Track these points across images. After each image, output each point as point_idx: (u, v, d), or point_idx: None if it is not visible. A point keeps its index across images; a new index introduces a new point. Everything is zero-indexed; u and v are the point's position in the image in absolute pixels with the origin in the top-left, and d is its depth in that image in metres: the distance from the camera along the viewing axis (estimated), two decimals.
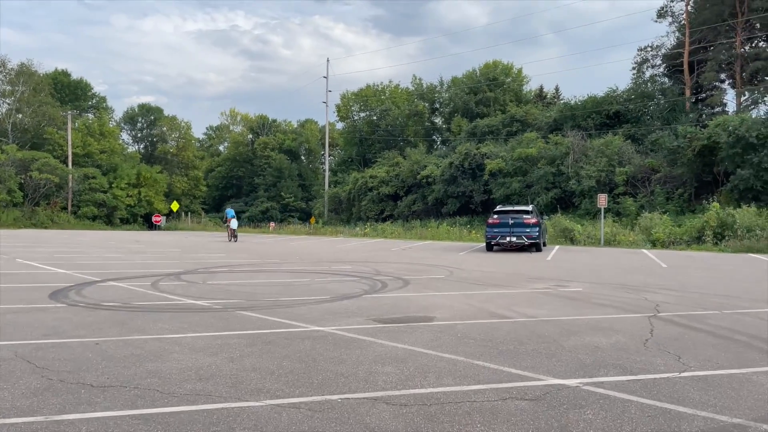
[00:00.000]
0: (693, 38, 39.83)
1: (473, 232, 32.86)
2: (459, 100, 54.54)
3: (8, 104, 55.31)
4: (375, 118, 61.30)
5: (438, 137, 60.69)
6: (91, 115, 65.16)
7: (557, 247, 24.86)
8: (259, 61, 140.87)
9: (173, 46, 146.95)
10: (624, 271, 14.43)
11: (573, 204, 34.62)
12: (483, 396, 4.30)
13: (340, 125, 69.35)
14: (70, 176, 50.56)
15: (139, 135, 74.02)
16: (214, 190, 73.73)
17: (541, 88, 56.83)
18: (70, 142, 53.08)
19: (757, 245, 21.89)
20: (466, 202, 39.70)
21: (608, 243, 26.17)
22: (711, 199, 27.94)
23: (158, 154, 69.62)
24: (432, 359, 5.39)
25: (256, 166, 69.93)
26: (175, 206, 54.69)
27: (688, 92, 40.39)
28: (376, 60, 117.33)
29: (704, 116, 38.67)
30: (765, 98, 37.71)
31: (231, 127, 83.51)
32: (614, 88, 42.08)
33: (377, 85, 66.83)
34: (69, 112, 55.52)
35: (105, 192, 52.82)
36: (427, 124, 60.58)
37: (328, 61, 56.74)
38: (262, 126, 75.62)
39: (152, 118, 72.20)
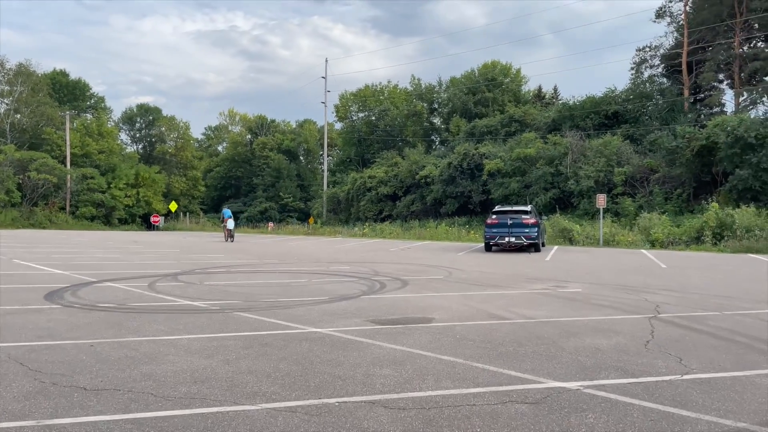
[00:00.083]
0: (691, 38, 39.82)
1: (472, 232, 32.81)
2: (457, 100, 54.48)
3: (6, 104, 55.21)
4: (373, 118, 61.23)
5: (436, 137, 60.63)
6: (89, 116, 65.05)
7: (556, 247, 24.82)
8: (257, 62, 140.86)
9: (172, 46, 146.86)
10: (623, 272, 14.38)
11: (571, 204, 34.59)
12: (482, 399, 4.23)
13: (338, 125, 69.35)
14: (69, 176, 50.47)
15: (137, 135, 73.93)
16: (213, 190, 73.63)
17: (539, 89, 56.81)
18: (68, 143, 52.98)
19: (756, 245, 21.85)
20: (464, 202, 39.66)
21: (607, 243, 26.13)
22: (710, 200, 27.90)
23: (157, 154, 69.52)
24: (431, 361, 5.33)
25: (254, 166, 69.84)
26: (173, 206, 54.60)
27: (686, 92, 40.37)
28: (375, 60, 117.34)
29: (703, 116, 38.65)
30: (763, 98, 37.73)
31: (230, 128, 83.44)
32: (613, 89, 42.09)
33: (376, 86, 66.88)
34: (67, 112, 55.41)
35: (103, 192, 52.72)
36: (425, 124, 60.52)
37: (326, 61, 56.53)
38: (260, 126, 75.53)
39: (151, 118, 72.09)
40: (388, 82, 78.11)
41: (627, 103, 40.07)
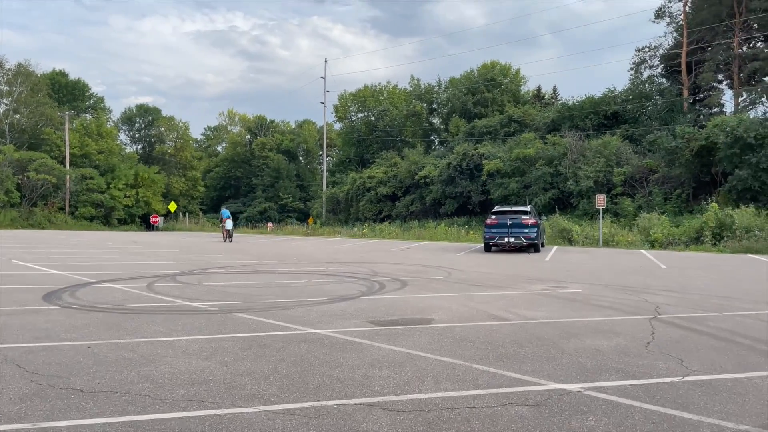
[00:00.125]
0: (691, 39, 39.80)
1: (471, 232, 32.78)
2: (457, 100, 54.46)
3: (6, 104, 55.14)
4: (373, 118, 61.22)
5: (436, 138, 60.60)
6: (88, 116, 65.00)
7: (555, 247, 24.79)
8: (257, 62, 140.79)
9: (171, 46, 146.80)
10: (623, 272, 14.35)
11: (571, 204, 34.57)
12: (482, 401, 4.20)
13: (338, 126, 69.35)
14: (68, 177, 50.40)
15: (136, 135, 73.83)
16: (212, 190, 73.58)
17: (539, 89, 56.82)
18: (67, 143, 52.92)
19: (756, 246, 21.83)
20: (464, 202, 39.63)
21: (606, 244, 26.11)
22: (709, 200, 27.88)
23: (156, 154, 69.44)
24: (430, 363, 5.29)
25: (254, 166, 69.81)
26: (172, 207, 54.54)
27: (685, 93, 40.35)
28: (374, 61, 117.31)
29: (702, 117, 38.64)
30: (763, 98, 37.71)
31: (229, 128, 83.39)
32: (612, 89, 42.13)
33: (375, 86, 66.89)
34: (66, 112, 55.35)
35: (102, 192, 52.68)
36: (425, 124, 60.49)
37: (326, 61, 56.45)
38: (260, 126, 75.49)
39: (150, 118, 72.00)
40: (388, 82, 78.36)
41: (626, 103, 40.06)
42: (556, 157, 35.56)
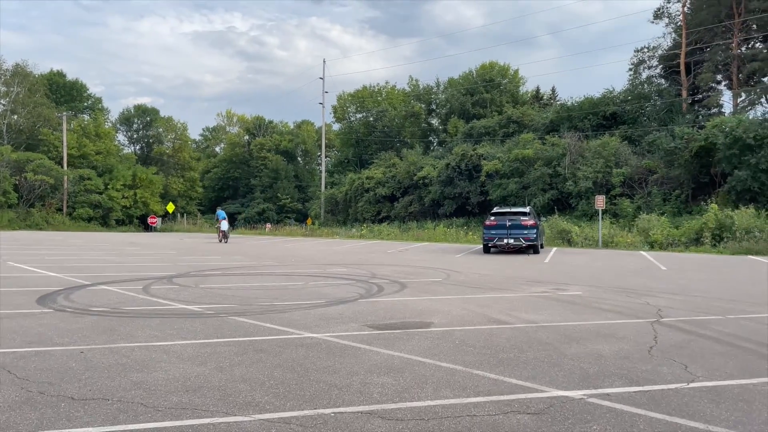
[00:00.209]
0: (689, 39, 39.74)
1: (470, 233, 32.67)
2: (455, 101, 54.36)
3: (3, 105, 54.96)
4: (371, 119, 61.11)
5: (434, 138, 60.51)
6: (86, 116, 64.81)
7: (555, 249, 24.69)
8: (255, 63, 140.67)
9: (170, 47, 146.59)
10: (623, 274, 14.27)
11: (570, 205, 34.49)
12: (483, 409, 4.10)
13: (336, 126, 69.23)
14: (66, 177, 50.24)
15: (135, 136, 73.64)
16: (211, 191, 73.41)
17: (537, 90, 56.70)
18: (65, 143, 52.76)
19: (756, 247, 21.75)
20: (462, 203, 39.53)
21: (606, 245, 26.02)
22: (708, 201, 27.81)
23: (154, 155, 69.28)
24: (429, 369, 5.19)
25: (252, 167, 69.68)
26: (171, 208, 54.37)
27: (684, 93, 40.29)
28: (373, 61, 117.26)
29: (701, 117, 38.54)
30: (762, 99, 37.66)
31: (227, 129, 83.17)
32: (611, 90, 42.00)
33: (373, 87, 66.74)
34: (64, 113, 55.21)
35: (100, 193, 52.52)
36: (423, 125, 60.38)
37: (324, 62, 56.26)
38: (258, 127, 75.35)
39: (148, 119, 71.83)
40: (386, 83, 78.01)
41: (625, 104, 39.98)
42: (554, 158, 35.47)
